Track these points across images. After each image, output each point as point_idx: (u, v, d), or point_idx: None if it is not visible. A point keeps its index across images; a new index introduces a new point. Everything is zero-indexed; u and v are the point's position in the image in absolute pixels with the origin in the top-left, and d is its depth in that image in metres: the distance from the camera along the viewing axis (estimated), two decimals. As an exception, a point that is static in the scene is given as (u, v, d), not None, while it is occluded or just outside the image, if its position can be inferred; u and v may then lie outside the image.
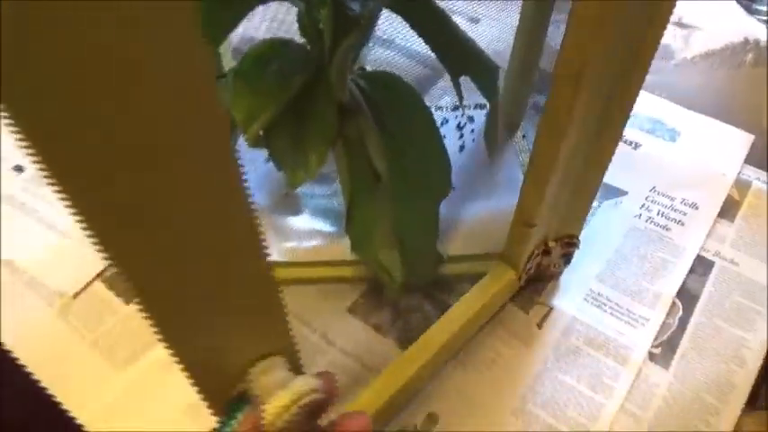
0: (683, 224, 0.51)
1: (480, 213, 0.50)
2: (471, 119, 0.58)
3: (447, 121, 0.58)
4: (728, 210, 0.52)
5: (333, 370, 0.42)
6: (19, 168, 0.54)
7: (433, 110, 0.57)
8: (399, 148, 0.41)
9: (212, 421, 0.23)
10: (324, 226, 0.48)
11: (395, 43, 0.65)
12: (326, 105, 0.40)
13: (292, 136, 0.40)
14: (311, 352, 0.43)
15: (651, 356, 0.44)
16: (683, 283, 0.47)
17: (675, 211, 0.52)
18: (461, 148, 0.55)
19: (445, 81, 0.65)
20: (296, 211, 0.49)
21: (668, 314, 0.46)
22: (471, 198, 0.51)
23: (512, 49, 0.53)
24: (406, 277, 0.43)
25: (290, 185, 0.43)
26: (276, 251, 0.46)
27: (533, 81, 0.54)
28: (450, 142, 0.56)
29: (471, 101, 0.60)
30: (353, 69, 0.41)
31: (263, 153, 0.40)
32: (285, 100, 0.38)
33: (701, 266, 0.49)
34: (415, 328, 0.45)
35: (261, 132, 0.40)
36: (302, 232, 0.48)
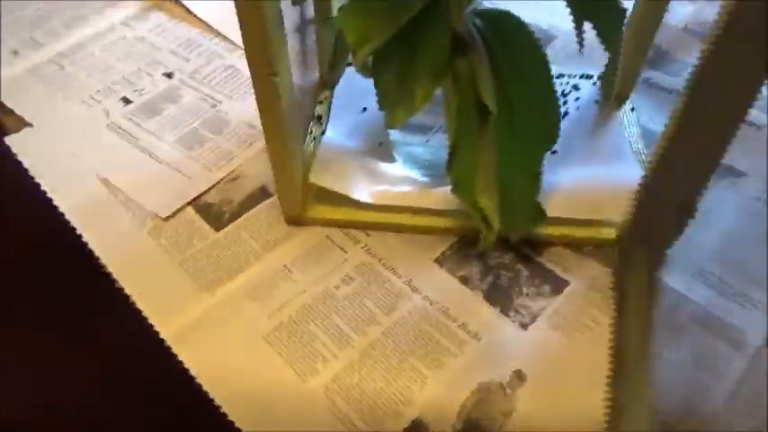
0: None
1: (580, 179, 0.47)
2: (576, 87, 0.55)
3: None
4: None
5: (415, 317, 0.41)
6: (126, 100, 0.56)
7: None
8: (510, 89, 0.39)
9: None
10: (417, 175, 0.47)
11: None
12: (441, 36, 0.38)
13: (401, 65, 0.39)
14: (394, 296, 0.42)
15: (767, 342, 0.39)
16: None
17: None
18: (564, 114, 0.52)
19: (551, 50, 0.62)
20: (389, 159, 0.48)
21: (789, 301, 0.41)
22: (571, 163, 0.48)
23: (628, 18, 0.50)
24: (502, 227, 0.41)
25: (389, 124, 0.41)
26: (367, 193, 0.45)
27: (647, 55, 0.51)
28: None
29: (578, 70, 0.57)
30: (470, 3, 0.39)
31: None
32: (400, 24, 0.37)
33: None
34: (505, 285, 0.42)
35: (370, 59, 0.39)
36: (394, 178, 0.46)
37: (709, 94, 0.31)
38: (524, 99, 0.39)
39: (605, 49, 0.42)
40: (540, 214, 0.41)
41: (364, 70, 0.42)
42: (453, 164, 0.40)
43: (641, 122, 0.52)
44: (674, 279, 0.43)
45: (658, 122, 0.54)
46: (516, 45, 0.39)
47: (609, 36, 0.41)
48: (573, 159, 0.48)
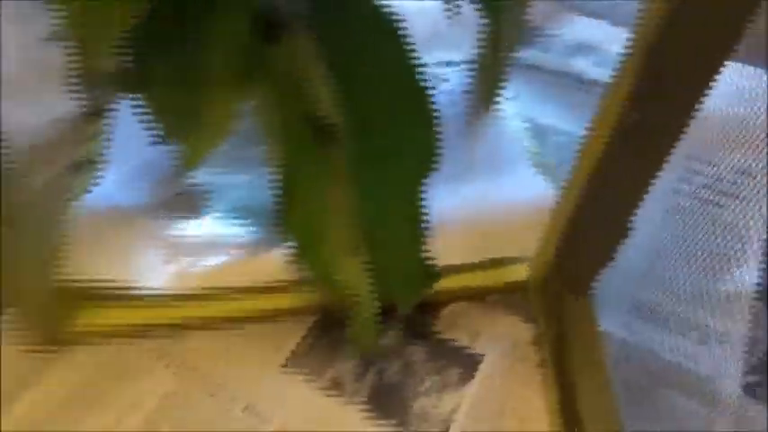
0: (737, 197, 0.38)
1: (470, 204, 0.34)
2: (442, 78, 0.43)
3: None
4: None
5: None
6: None
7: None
8: (361, 93, 0.25)
9: None
10: (237, 231, 0.31)
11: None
12: (235, 20, 0.23)
13: (182, 69, 0.24)
14: (233, 438, 0.26)
15: (747, 389, 0.30)
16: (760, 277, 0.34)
17: (723, 181, 0.39)
18: (434, 113, 0.40)
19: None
20: (193, 214, 0.32)
21: (754, 324, 0.32)
22: (453, 182, 0.36)
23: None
24: (380, 300, 0.27)
25: (186, 163, 0.26)
26: (161, 277, 0.29)
27: (522, 30, 0.40)
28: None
29: (439, 57, 0.45)
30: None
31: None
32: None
33: (777, 253, 0.35)
34: (395, 383, 0.28)
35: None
36: (204, 244, 0.30)
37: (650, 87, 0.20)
38: (385, 106, 0.26)
39: (488, 24, 0.30)
40: (430, 271, 0.28)
41: (126, 85, 0.27)
42: (288, 214, 0.26)
43: (525, 113, 0.42)
44: (609, 320, 0.32)
45: (544, 111, 0.43)
46: (365, 25, 0.26)
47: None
48: (455, 177, 0.36)
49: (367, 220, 0.26)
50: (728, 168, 0.39)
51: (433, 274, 0.28)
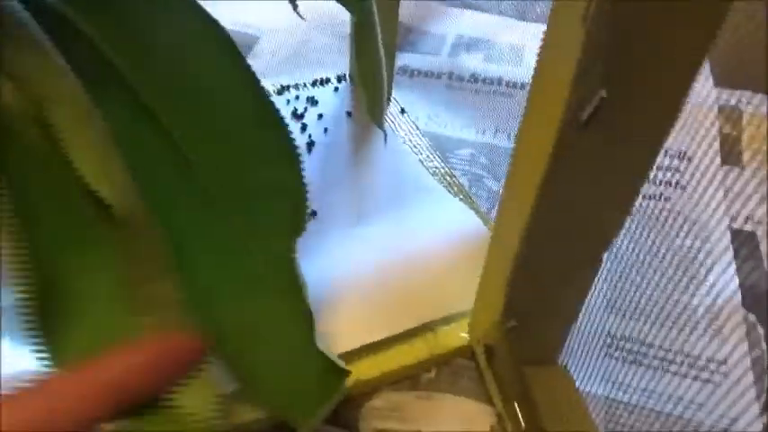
0: (683, 187, 0.32)
1: (373, 253, 0.26)
2: (313, 100, 0.35)
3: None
4: (730, 152, 0.34)
5: None
6: None
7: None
8: (189, 130, 0.16)
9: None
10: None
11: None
12: None
13: None
14: None
15: (769, 433, 0.23)
16: (740, 279, 0.28)
17: (663, 169, 0.33)
18: (309, 145, 0.31)
19: (255, 58, 0.41)
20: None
21: (751, 340, 0.26)
22: (345, 228, 0.27)
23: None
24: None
25: None
26: None
27: (397, 33, 0.32)
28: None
29: (306, 78, 0.37)
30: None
31: None
32: None
33: (744, 244, 0.30)
34: None
35: None
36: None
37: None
38: (225, 145, 0.17)
39: (358, 24, 0.22)
40: (332, 368, 0.19)
41: None
42: (62, 327, 0.16)
43: (421, 127, 0.34)
44: (581, 377, 0.24)
45: (442, 122, 0.36)
46: (183, 36, 0.17)
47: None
48: (351, 221, 0.27)
49: (216, 312, 0.17)
50: (665, 155, 0.34)
51: (335, 372, 0.19)
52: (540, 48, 0.13)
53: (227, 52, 0.17)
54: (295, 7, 0.20)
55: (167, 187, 0.16)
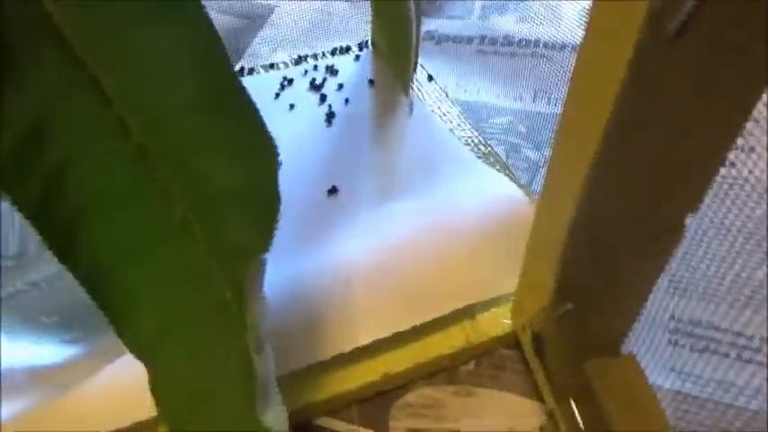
0: (752, 149, 0.28)
1: (403, 229, 0.23)
2: (332, 69, 0.32)
3: (291, 83, 0.31)
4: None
5: None
6: None
7: (263, 71, 0.31)
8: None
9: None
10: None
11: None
12: None
13: None
14: None
15: None
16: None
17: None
18: (329, 117, 0.29)
19: (272, 27, 0.38)
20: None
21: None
22: (371, 205, 0.24)
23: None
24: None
25: None
26: None
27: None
28: (309, 113, 0.29)
29: (325, 46, 0.34)
30: None
31: None
32: None
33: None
34: None
35: None
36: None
37: None
38: (172, 144, 0.13)
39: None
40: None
41: None
42: None
43: (450, 94, 0.31)
44: (648, 357, 0.21)
45: (473, 88, 0.33)
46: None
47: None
48: (378, 197, 0.25)
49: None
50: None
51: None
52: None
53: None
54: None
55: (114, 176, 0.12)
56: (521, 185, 0.25)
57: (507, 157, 0.29)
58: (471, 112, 0.31)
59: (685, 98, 0.10)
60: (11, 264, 0.19)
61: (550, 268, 0.15)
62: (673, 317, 0.22)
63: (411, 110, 0.28)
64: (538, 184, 0.29)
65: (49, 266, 0.20)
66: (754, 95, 0.10)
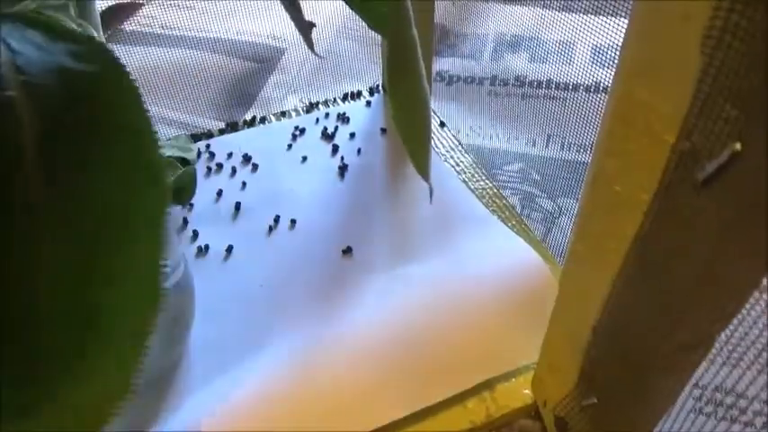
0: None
1: (417, 296, 0.23)
2: (344, 118, 0.32)
3: (303, 132, 0.31)
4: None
5: None
6: None
7: (274, 120, 0.31)
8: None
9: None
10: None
11: (184, 37, 0.38)
12: None
13: None
14: None
15: None
16: None
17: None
18: (342, 169, 0.29)
19: (282, 73, 0.38)
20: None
21: None
22: (384, 267, 0.24)
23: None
24: None
25: None
26: None
27: (434, 36, 0.29)
28: (322, 165, 0.29)
29: (335, 90, 0.34)
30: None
31: None
32: None
33: None
34: None
35: None
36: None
37: None
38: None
39: (376, 27, 0.19)
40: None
41: None
42: None
43: (463, 141, 0.31)
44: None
45: (486, 133, 0.33)
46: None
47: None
48: (391, 258, 0.24)
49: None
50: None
51: None
52: (619, 67, 0.10)
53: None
54: (309, 45, 0.17)
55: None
56: (537, 245, 0.24)
57: (522, 207, 0.29)
58: (484, 159, 0.30)
59: (710, 238, 0.10)
60: None
61: (573, 359, 0.15)
62: (696, 383, 0.22)
63: (431, 198, 0.25)
64: (554, 238, 0.28)
65: None
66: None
